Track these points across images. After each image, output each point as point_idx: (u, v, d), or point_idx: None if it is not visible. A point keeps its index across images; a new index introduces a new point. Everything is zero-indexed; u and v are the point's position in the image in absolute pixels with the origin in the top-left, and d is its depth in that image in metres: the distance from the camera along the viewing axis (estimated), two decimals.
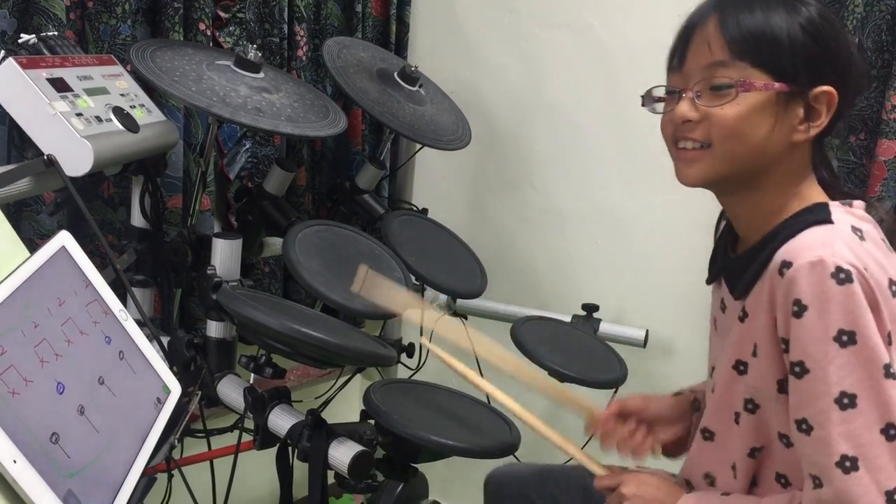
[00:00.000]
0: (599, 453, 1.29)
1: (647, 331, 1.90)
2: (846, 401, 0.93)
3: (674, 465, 1.31)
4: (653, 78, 1.97)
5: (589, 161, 2.12)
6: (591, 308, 1.93)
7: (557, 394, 1.32)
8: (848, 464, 0.93)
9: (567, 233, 2.18)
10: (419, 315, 1.28)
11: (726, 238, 1.20)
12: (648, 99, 1.14)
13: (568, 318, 1.91)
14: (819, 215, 1.00)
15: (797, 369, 0.96)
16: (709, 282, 1.24)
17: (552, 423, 1.29)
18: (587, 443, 1.43)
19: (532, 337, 1.67)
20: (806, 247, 0.95)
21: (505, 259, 2.26)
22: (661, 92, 1.12)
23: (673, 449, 1.32)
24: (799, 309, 0.94)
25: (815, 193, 1.06)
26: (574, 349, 1.75)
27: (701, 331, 2.01)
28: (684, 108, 1.05)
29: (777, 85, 0.99)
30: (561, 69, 2.11)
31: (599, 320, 1.92)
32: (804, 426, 0.97)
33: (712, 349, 1.22)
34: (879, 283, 0.94)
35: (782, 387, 1.01)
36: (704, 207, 1.97)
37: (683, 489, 1.16)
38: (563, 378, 1.60)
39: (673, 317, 2.05)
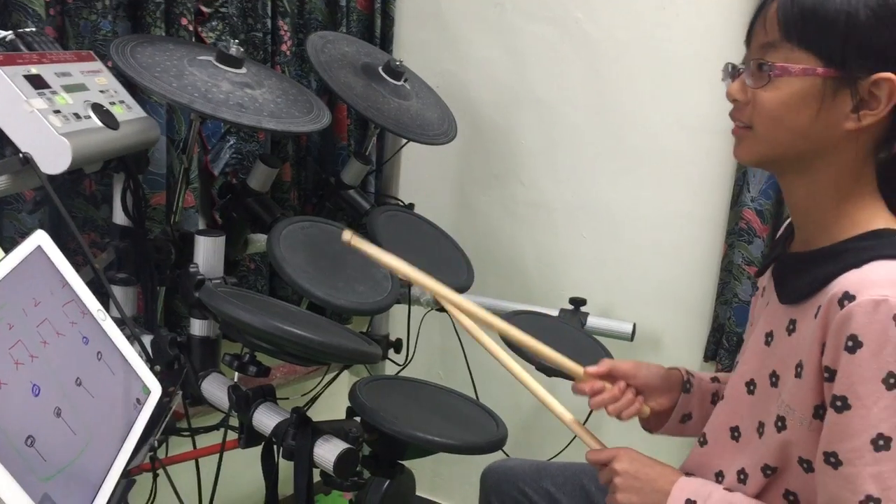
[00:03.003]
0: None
1: (634, 324, 1.90)
2: (881, 443, 0.91)
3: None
4: (638, 70, 1.99)
5: (576, 154, 2.11)
6: (578, 302, 1.92)
7: (545, 356, 1.27)
8: None
9: (554, 227, 2.18)
10: (406, 271, 1.21)
11: (787, 232, 1.16)
12: (725, 73, 1.09)
13: (555, 313, 1.90)
14: (889, 248, 0.96)
15: (839, 403, 0.93)
16: (758, 273, 1.20)
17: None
18: (587, 419, 1.42)
19: (520, 328, 1.66)
20: (871, 282, 0.92)
21: (492, 253, 2.26)
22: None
23: (653, 421, 1.31)
24: (853, 344, 0.91)
25: (881, 213, 1.02)
26: (561, 343, 1.73)
27: (688, 323, 2.03)
28: (735, 88, 1.03)
29: (821, 70, 0.95)
30: (547, 62, 2.11)
31: (587, 314, 1.91)
32: (832, 459, 0.95)
33: (748, 341, 1.17)
34: None
35: (818, 412, 0.98)
36: (691, 200, 1.99)
37: (678, 473, 1.13)
38: (550, 373, 1.59)
39: (660, 310, 2.05)
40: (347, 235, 1.18)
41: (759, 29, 1.00)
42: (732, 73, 1.05)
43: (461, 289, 1.72)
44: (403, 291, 1.89)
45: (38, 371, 0.78)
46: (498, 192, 2.24)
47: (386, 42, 2.23)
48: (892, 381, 0.90)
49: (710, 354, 1.96)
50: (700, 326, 2.00)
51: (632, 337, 1.90)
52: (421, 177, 2.34)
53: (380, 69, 1.88)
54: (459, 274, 1.75)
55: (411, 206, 1.98)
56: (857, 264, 0.95)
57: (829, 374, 0.95)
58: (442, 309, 2.00)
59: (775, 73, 0.97)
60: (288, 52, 1.95)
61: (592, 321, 1.90)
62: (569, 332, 1.82)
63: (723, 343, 1.91)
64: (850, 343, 0.91)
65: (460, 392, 1.60)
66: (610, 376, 1.25)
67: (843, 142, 0.99)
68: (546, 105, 2.13)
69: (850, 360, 0.92)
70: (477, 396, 1.63)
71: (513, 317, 1.74)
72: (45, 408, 0.77)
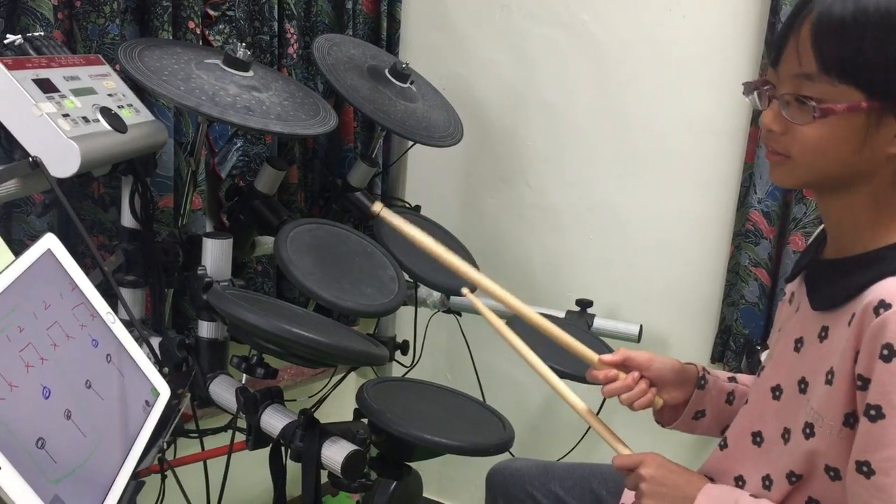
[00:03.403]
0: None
1: (640, 326, 1.90)
2: None
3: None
4: (645, 72, 1.98)
5: (582, 156, 2.11)
6: (584, 303, 1.92)
7: (560, 340, 1.26)
8: None
9: (560, 228, 2.18)
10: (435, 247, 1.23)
11: (819, 238, 1.14)
12: (748, 88, 1.06)
13: (562, 314, 1.90)
14: None
15: (872, 412, 0.92)
16: (788, 279, 1.19)
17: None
18: (600, 409, 1.40)
19: (526, 333, 1.65)
20: None
21: (498, 255, 2.26)
22: (757, 81, 1.05)
23: (666, 415, 1.29)
24: (889, 353, 0.90)
25: None
26: None
27: (695, 324, 2.02)
28: (769, 118, 1.00)
29: (865, 105, 0.92)
30: (553, 64, 2.11)
31: (593, 315, 1.91)
32: (865, 468, 0.94)
33: (776, 348, 1.16)
34: None
35: (848, 420, 0.97)
36: (697, 202, 1.98)
37: (705, 480, 1.12)
38: (558, 374, 1.59)
39: (667, 312, 2.05)
40: (378, 207, 1.19)
41: (792, 56, 0.96)
42: (758, 93, 1.02)
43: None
44: (410, 293, 1.89)
45: (49, 373, 0.79)
46: (504, 194, 2.25)
47: (392, 44, 2.23)
48: None
49: (717, 356, 1.96)
50: (707, 328, 1.99)
51: (638, 338, 1.90)
52: (427, 179, 2.34)
53: (386, 72, 1.88)
54: None
55: (417, 208, 1.99)
56: (894, 272, 0.93)
57: (863, 383, 0.93)
58: (449, 310, 2.02)
59: (818, 115, 0.94)
60: (294, 55, 1.96)
61: (599, 323, 1.90)
62: (576, 334, 1.81)
63: (729, 345, 1.90)
64: (885, 352, 0.90)
65: (467, 393, 1.60)
66: (624, 366, 1.24)
67: (884, 164, 0.97)
68: (552, 107, 2.13)
69: (886, 370, 0.90)
70: (483, 398, 1.63)
71: (519, 318, 1.74)
72: (56, 410, 0.78)
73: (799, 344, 1.09)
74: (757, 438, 1.14)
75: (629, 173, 2.05)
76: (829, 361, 0.99)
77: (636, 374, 1.23)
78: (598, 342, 1.79)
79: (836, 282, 1.02)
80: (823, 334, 1.03)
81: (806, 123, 0.95)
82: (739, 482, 1.14)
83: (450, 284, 1.69)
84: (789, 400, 1.08)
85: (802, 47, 0.94)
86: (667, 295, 2.05)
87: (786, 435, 1.08)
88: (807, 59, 0.94)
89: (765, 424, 1.13)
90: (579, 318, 1.91)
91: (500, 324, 1.27)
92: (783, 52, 0.98)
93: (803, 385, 1.05)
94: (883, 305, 0.91)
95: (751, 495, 1.08)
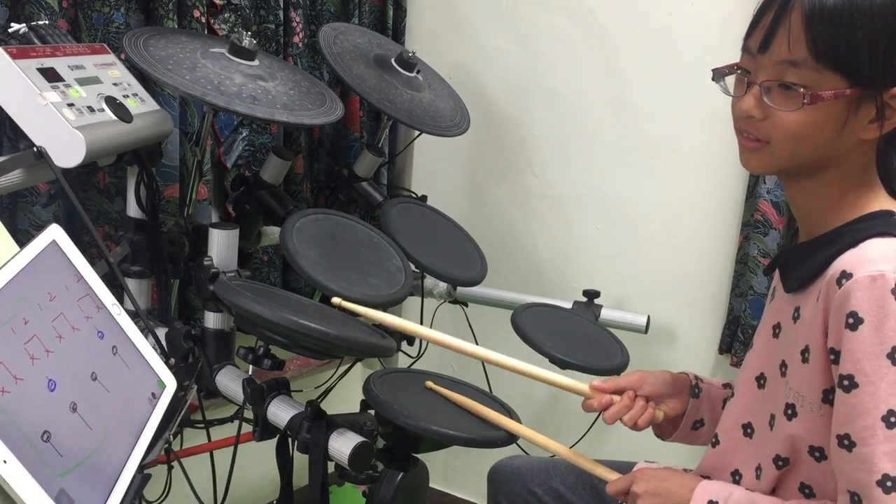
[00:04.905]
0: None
1: (648, 316, 1.89)
2: (893, 419, 0.90)
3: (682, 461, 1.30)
4: (652, 60, 1.97)
5: (589, 146, 2.10)
6: (592, 294, 1.91)
7: (546, 379, 1.28)
8: (889, 483, 0.91)
9: (567, 219, 2.17)
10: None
11: (793, 232, 1.17)
12: (718, 75, 1.08)
13: (569, 305, 1.89)
14: (883, 226, 0.97)
15: (846, 383, 0.93)
16: (766, 272, 1.21)
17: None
18: (595, 420, 1.41)
19: (533, 324, 1.65)
20: (867, 259, 0.93)
21: (505, 245, 2.25)
22: (730, 69, 1.06)
23: (665, 427, 1.31)
24: (854, 322, 0.91)
25: (879, 196, 1.02)
26: (575, 336, 1.74)
27: (703, 315, 2.01)
28: (749, 103, 1.00)
29: (849, 91, 0.94)
30: (560, 53, 2.09)
31: (600, 306, 1.90)
32: (846, 441, 0.94)
33: (757, 338, 1.17)
34: None
35: (827, 397, 0.98)
36: (705, 192, 1.97)
37: (697, 478, 1.13)
38: (564, 365, 1.59)
39: (674, 302, 2.04)
40: (336, 301, 1.26)
41: (781, 42, 0.96)
42: (742, 79, 1.03)
43: (474, 281, 1.72)
44: (417, 284, 1.89)
45: (54, 366, 0.78)
46: (511, 183, 2.24)
47: (398, 33, 2.22)
48: None
49: (725, 347, 1.95)
50: (715, 319, 1.98)
51: (646, 329, 1.89)
52: (434, 168, 2.33)
53: (392, 61, 1.87)
54: (473, 266, 1.74)
55: (424, 197, 1.98)
56: (854, 244, 0.95)
57: (835, 356, 0.95)
58: (455, 301, 2.01)
59: (807, 102, 0.95)
60: (300, 44, 1.95)
61: (606, 313, 1.89)
62: (582, 325, 1.81)
63: (738, 336, 1.89)
64: (850, 320, 0.92)
65: (473, 385, 1.59)
66: (617, 391, 1.25)
67: (856, 148, 0.99)
68: (559, 96, 2.11)
69: (853, 338, 0.92)
70: (490, 389, 1.62)
71: (526, 309, 1.74)
72: (61, 403, 0.77)
73: (777, 329, 1.11)
74: (748, 430, 1.15)
75: (636, 163, 2.04)
76: (804, 340, 1.01)
77: (630, 393, 1.24)
78: (605, 333, 1.78)
79: (803, 262, 1.04)
80: (796, 315, 1.04)
81: (793, 110, 0.96)
82: (736, 476, 1.15)
83: (456, 275, 1.69)
84: (772, 386, 1.10)
85: (794, 34, 0.95)
86: (675, 285, 2.04)
87: (772, 421, 1.09)
88: (797, 46, 0.95)
89: (754, 415, 1.14)
90: (586, 308, 1.90)
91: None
92: (769, 39, 0.98)
93: (783, 368, 1.07)
94: (844, 276, 0.93)
95: (746, 488, 1.09)
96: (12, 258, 0.79)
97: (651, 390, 1.26)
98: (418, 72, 1.90)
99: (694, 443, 1.32)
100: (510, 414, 1.47)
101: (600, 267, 2.14)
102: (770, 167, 1.04)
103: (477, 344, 1.88)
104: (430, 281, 1.98)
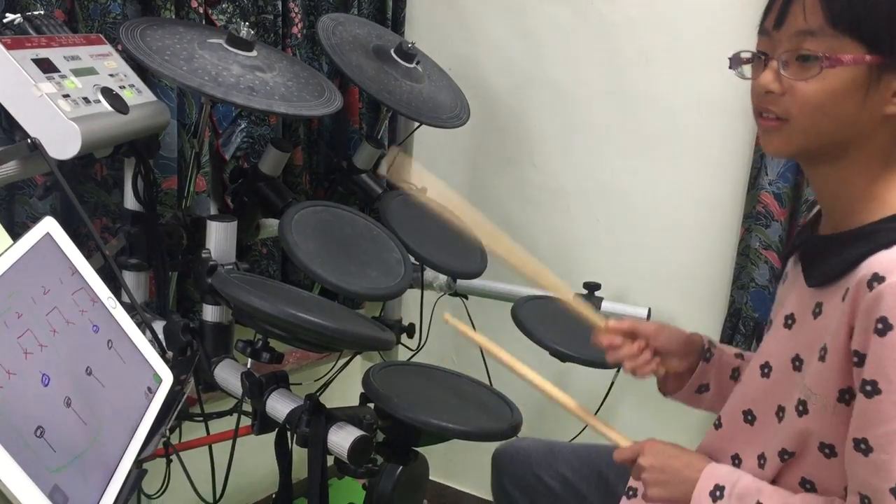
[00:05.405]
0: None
1: (649, 309, 1.89)
2: None
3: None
4: (654, 50, 1.95)
5: (590, 137, 2.09)
6: (592, 286, 1.91)
7: (568, 301, 1.29)
8: None
9: (568, 210, 2.15)
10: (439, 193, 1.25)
11: (815, 216, 1.13)
12: (735, 62, 1.06)
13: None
14: None
15: (868, 388, 0.92)
16: (784, 257, 1.18)
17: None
18: (602, 403, 1.41)
19: (533, 316, 1.65)
20: None
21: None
22: (748, 54, 1.04)
23: (669, 384, 1.31)
24: (883, 327, 0.89)
25: None
26: (575, 328, 1.72)
27: (703, 307, 2.00)
28: (768, 78, 0.98)
29: (869, 58, 0.92)
30: (561, 44, 2.08)
31: (601, 299, 1.90)
32: (863, 446, 0.93)
33: (770, 326, 1.16)
34: None
35: (843, 397, 0.97)
36: (707, 184, 1.96)
37: (705, 460, 1.12)
38: (564, 358, 1.58)
39: (675, 294, 2.03)
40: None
41: (797, 14, 0.95)
42: (760, 61, 1.01)
43: (474, 274, 1.71)
44: (416, 276, 1.88)
45: (48, 360, 0.77)
46: (511, 175, 2.22)
47: (398, 24, 2.20)
48: None
49: (726, 339, 1.94)
50: (716, 311, 1.98)
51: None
52: (433, 160, 2.32)
53: (392, 51, 1.86)
54: (472, 258, 1.73)
55: (424, 190, 1.96)
56: (887, 245, 0.92)
57: (859, 359, 0.93)
58: (455, 293, 2.00)
59: (825, 65, 0.93)
60: (299, 35, 1.93)
61: (607, 306, 1.89)
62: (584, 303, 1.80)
63: (739, 328, 1.89)
64: (880, 325, 0.89)
65: (474, 378, 1.59)
66: (631, 334, 1.25)
67: (880, 126, 0.96)
68: (560, 87, 2.10)
69: (881, 344, 0.90)
70: (490, 382, 1.62)
71: (526, 301, 1.73)
72: (55, 398, 0.76)
73: (790, 321, 1.08)
74: (748, 417, 1.14)
75: (637, 154, 2.03)
76: (823, 338, 0.99)
77: (641, 342, 1.24)
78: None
79: (830, 257, 1.01)
80: (818, 311, 1.02)
81: (811, 77, 0.94)
82: (736, 461, 1.14)
83: (456, 267, 1.68)
84: (781, 377, 1.08)
85: (809, 4, 0.94)
86: (676, 277, 2.03)
87: (780, 413, 1.07)
88: (812, 14, 0.94)
89: (754, 403, 1.13)
90: (587, 301, 1.89)
91: (486, 340, 1.30)
92: (784, 14, 0.97)
93: (798, 363, 1.05)
94: (876, 279, 0.90)
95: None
96: (5, 251, 0.78)
97: (663, 344, 1.26)
98: (418, 63, 1.88)
99: (696, 406, 1.31)
100: (510, 409, 1.47)
101: (601, 259, 2.13)
102: (791, 146, 1.00)
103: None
104: (429, 273, 1.97)
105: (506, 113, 2.19)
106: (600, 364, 1.61)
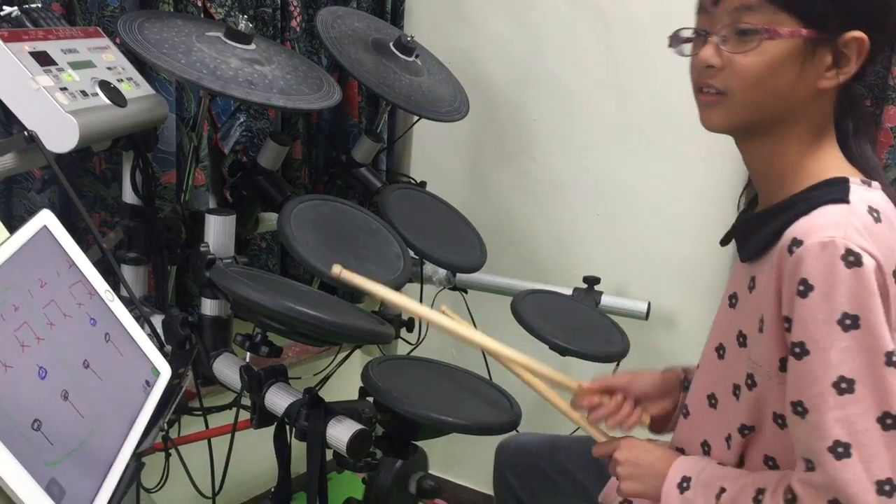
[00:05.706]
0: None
1: (648, 303, 1.88)
2: (844, 385, 0.91)
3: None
4: (653, 44, 1.94)
5: (589, 131, 2.08)
6: (592, 281, 1.90)
7: (540, 374, 1.29)
8: (840, 450, 0.91)
9: (567, 204, 2.15)
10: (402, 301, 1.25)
11: (753, 199, 1.16)
12: (676, 40, 1.08)
13: (569, 292, 1.88)
14: (836, 193, 0.96)
15: (797, 350, 0.94)
16: (723, 242, 1.20)
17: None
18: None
19: (533, 311, 1.64)
20: (819, 226, 0.93)
21: (504, 232, 2.23)
22: (688, 33, 1.06)
23: (658, 424, 1.32)
24: (804, 289, 0.92)
25: (834, 161, 1.02)
26: (575, 322, 1.73)
27: (703, 301, 2.00)
28: (708, 52, 1.01)
29: (805, 31, 0.95)
30: (560, 38, 2.07)
31: (601, 293, 1.89)
32: (799, 408, 0.95)
33: (719, 310, 1.19)
34: (890, 269, 0.92)
35: (783, 365, 0.99)
36: (706, 177, 1.96)
37: (676, 454, 1.16)
38: (564, 352, 1.58)
39: (675, 288, 2.03)
40: (337, 270, 1.23)
41: None
42: (700, 38, 1.03)
43: (474, 268, 1.71)
44: (416, 270, 1.88)
45: (45, 354, 0.77)
46: (511, 169, 2.22)
47: (397, 17, 2.20)
48: (847, 322, 0.90)
49: None
50: (715, 305, 1.96)
51: (646, 316, 1.88)
52: (433, 154, 2.32)
53: (391, 45, 1.85)
54: (472, 253, 1.73)
55: (423, 183, 1.96)
56: (807, 212, 0.95)
57: (788, 324, 0.96)
58: (455, 288, 2.00)
59: (765, 37, 0.96)
60: (298, 28, 1.93)
61: (607, 300, 1.89)
62: (583, 311, 1.80)
63: None
64: (801, 288, 0.92)
65: (473, 372, 1.58)
66: (607, 390, 1.28)
67: (814, 100, 1.00)
68: (559, 81, 2.09)
69: (804, 305, 0.92)
70: (490, 376, 1.61)
71: (526, 296, 1.73)
72: (52, 391, 0.76)
73: (733, 300, 1.12)
74: (712, 401, 1.16)
75: (637, 148, 2.02)
76: (760, 309, 1.01)
77: (619, 397, 1.27)
78: (605, 319, 1.77)
79: (759, 231, 1.04)
80: (752, 284, 1.05)
81: (750, 51, 0.97)
82: (705, 447, 1.17)
83: (455, 261, 1.68)
84: (732, 356, 1.11)
85: None
86: (675, 271, 2.02)
87: (736, 391, 1.10)
88: None
89: (715, 386, 1.15)
90: (586, 295, 1.89)
91: (477, 334, 1.29)
92: None
93: (742, 338, 1.08)
94: (795, 243, 0.93)
95: (718, 463, 1.11)
96: (1, 244, 0.78)
97: (640, 391, 1.29)
98: (417, 56, 1.88)
99: None
100: (510, 402, 1.47)
101: (600, 253, 2.12)
102: (730, 120, 1.03)
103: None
104: (429, 267, 1.96)
105: (505, 106, 2.19)
106: (600, 358, 1.62)
